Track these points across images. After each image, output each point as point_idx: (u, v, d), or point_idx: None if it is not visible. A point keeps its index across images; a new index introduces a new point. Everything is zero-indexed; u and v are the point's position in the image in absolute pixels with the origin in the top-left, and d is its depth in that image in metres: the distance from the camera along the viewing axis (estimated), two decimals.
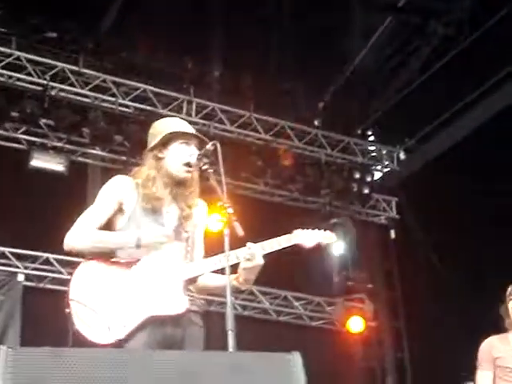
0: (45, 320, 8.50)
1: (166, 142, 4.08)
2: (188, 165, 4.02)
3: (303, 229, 4.14)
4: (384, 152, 11.83)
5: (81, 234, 3.90)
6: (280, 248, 4.00)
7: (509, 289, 5.52)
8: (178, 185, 4.08)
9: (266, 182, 11.04)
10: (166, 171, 4.06)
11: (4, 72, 9.36)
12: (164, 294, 3.83)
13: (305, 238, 4.10)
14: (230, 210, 3.62)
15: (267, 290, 10.84)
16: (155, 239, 3.87)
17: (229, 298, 3.44)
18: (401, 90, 10.80)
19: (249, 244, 3.88)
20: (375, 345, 11.61)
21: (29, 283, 9.49)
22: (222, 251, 3.67)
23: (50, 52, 9.71)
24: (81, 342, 3.67)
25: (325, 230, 4.24)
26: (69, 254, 4.00)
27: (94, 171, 10.14)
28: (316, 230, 4.17)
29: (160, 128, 4.15)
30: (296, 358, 3.16)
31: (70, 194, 9.27)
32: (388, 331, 11.62)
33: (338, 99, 11.31)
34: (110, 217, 3.99)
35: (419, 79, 10.43)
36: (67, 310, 3.75)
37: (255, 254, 3.89)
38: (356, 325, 11.30)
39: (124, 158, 9.87)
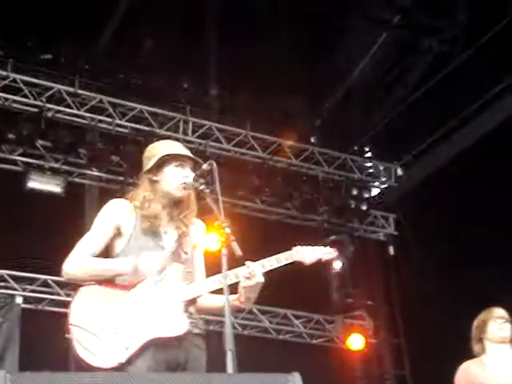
0: (43, 342, 8.46)
1: (160, 165, 4.06)
2: (183, 186, 4.01)
3: (302, 245, 4.09)
4: (381, 168, 11.83)
5: (75, 263, 3.88)
6: (280, 265, 3.96)
7: (482, 315, 5.52)
8: (175, 205, 4.07)
9: (263, 200, 11.03)
10: (162, 193, 4.05)
11: (0, 94, 9.37)
12: (164, 315, 3.81)
13: (305, 254, 4.05)
14: (228, 230, 3.60)
15: (267, 309, 10.81)
16: (152, 266, 3.85)
17: (228, 318, 3.42)
18: (397, 106, 10.81)
19: (247, 263, 3.86)
20: (376, 362, 11.57)
21: (27, 305, 9.45)
22: (220, 271, 3.64)
23: (45, 74, 9.72)
24: (82, 367, 3.64)
25: (325, 246, 4.20)
26: None
27: (91, 192, 10.14)
28: (316, 246, 4.12)
29: (154, 151, 4.13)
30: (296, 379, 3.14)
31: (68, 215, 9.26)
32: (388, 348, 11.58)
33: (334, 116, 11.32)
34: (107, 242, 3.98)
35: (415, 95, 10.45)
36: (68, 336, 3.73)
37: (255, 272, 3.86)
38: (356, 342, 11.27)
39: (121, 178, 9.87)
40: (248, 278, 3.86)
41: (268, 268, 3.92)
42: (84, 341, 3.70)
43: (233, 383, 3.08)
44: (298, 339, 11.19)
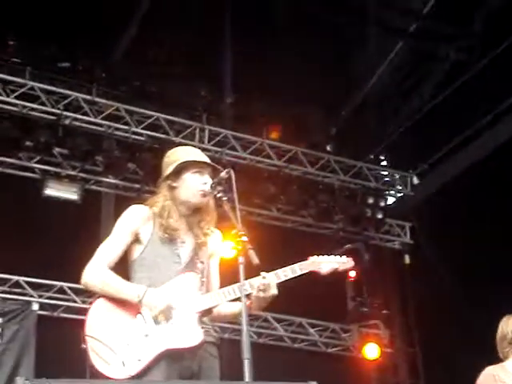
0: (59, 349, 8.48)
1: (179, 172, 4.06)
2: (202, 193, 4.01)
3: (318, 255, 4.05)
4: (397, 177, 11.81)
5: (95, 275, 3.87)
6: (295, 276, 3.93)
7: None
8: (193, 213, 4.08)
9: (278, 208, 11.03)
10: (181, 200, 4.05)
11: (18, 102, 9.42)
12: (179, 326, 3.80)
13: (321, 264, 4.01)
14: (245, 238, 3.58)
15: (282, 317, 10.81)
16: (154, 308, 3.79)
17: (245, 326, 3.41)
18: (413, 115, 10.80)
19: (263, 274, 3.83)
20: (391, 371, 11.52)
21: (43, 312, 9.49)
22: (236, 279, 3.63)
23: (63, 82, 9.78)
24: (98, 377, 3.65)
25: (340, 255, 4.16)
26: None
27: (107, 199, 10.18)
28: (332, 256, 4.08)
29: (173, 157, 4.14)
30: None
31: (84, 222, 9.32)
32: (404, 357, 11.53)
33: (350, 124, 11.33)
34: (126, 248, 3.98)
35: (431, 103, 10.44)
36: (83, 346, 3.74)
37: (270, 284, 3.82)
38: (371, 351, 11.23)
39: (137, 185, 9.90)
40: (262, 290, 3.84)
41: (283, 279, 3.89)
42: (99, 351, 3.70)
43: None
44: (314, 348, 11.17)
